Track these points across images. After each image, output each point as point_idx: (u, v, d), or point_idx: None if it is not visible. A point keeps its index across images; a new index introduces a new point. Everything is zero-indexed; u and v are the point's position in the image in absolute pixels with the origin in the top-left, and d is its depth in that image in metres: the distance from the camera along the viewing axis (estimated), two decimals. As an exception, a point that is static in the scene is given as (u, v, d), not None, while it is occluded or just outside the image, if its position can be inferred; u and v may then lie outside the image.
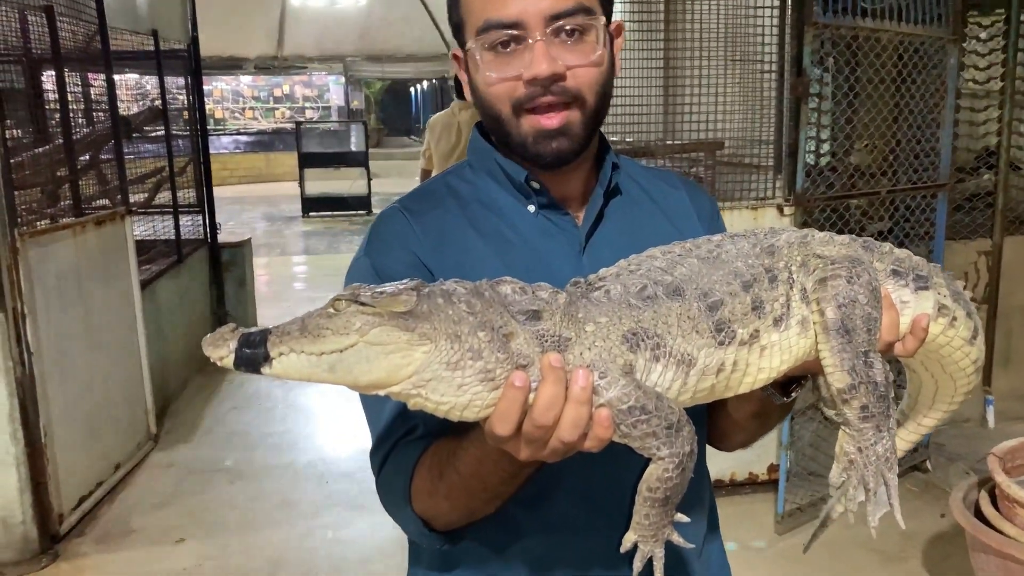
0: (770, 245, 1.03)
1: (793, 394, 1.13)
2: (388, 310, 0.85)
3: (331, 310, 0.86)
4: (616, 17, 1.20)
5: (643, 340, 0.92)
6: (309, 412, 5.56)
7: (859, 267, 1.00)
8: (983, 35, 5.19)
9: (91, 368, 4.25)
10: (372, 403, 1.17)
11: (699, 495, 1.28)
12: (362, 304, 0.86)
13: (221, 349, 0.84)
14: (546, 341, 0.89)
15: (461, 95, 6.43)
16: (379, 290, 0.88)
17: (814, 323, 0.99)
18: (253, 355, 0.84)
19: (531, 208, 1.21)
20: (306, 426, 5.37)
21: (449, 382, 0.86)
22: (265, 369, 0.84)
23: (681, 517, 0.97)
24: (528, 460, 0.93)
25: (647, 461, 0.92)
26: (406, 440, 1.13)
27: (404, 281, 0.90)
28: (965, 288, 1.14)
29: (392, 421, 1.14)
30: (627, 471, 1.05)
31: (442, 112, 6.83)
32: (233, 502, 4.32)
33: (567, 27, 1.10)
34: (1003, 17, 4.87)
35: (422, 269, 1.16)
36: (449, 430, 1.08)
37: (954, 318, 1.08)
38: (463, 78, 1.21)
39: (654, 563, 0.97)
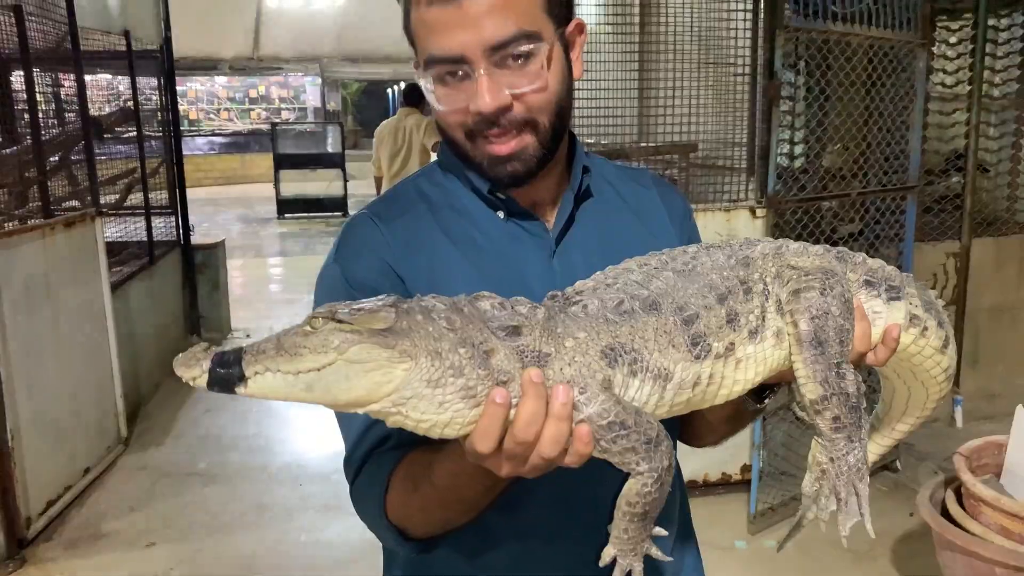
0: (745, 257, 1.03)
1: (767, 400, 1.14)
2: (367, 327, 0.84)
3: (308, 328, 0.84)
4: (589, 20, 1.19)
5: (621, 355, 0.92)
6: (283, 415, 5.52)
7: (832, 279, 1.01)
8: (952, 40, 5.27)
9: (60, 371, 4.20)
10: (344, 416, 1.16)
11: (672, 506, 1.29)
12: (340, 321, 0.84)
13: (194, 369, 0.82)
14: (526, 357, 0.89)
15: (409, 102, 7.18)
16: (357, 307, 0.86)
17: (788, 334, 1.00)
18: (227, 375, 0.82)
19: (501, 214, 1.21)
20: (280, 429, 5.33)
21: (430, 400, 0.85)
22: (240, 389, 0.82)
23: (660, 531, 0.97)
24: (507, 476, 0.92)
25: (614, 497, 0.93)
26: (380, 450, 1.12)
27: (381, 297, 0.89)
28: (934, 290, 1.16)
29: (365, 430, 1.13)
30: (601, 478, 1.06)
31: (389, 120, 7.36)
32: (206, 506, 4.28)
33: (511, 54, 1.07)
34: (971, 22, 4.95)
35: (393, 276, 1.15)
36: (424, 441, 1.06)
37: (925, 328, 1.09)
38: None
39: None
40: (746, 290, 1.00)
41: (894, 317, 1.07)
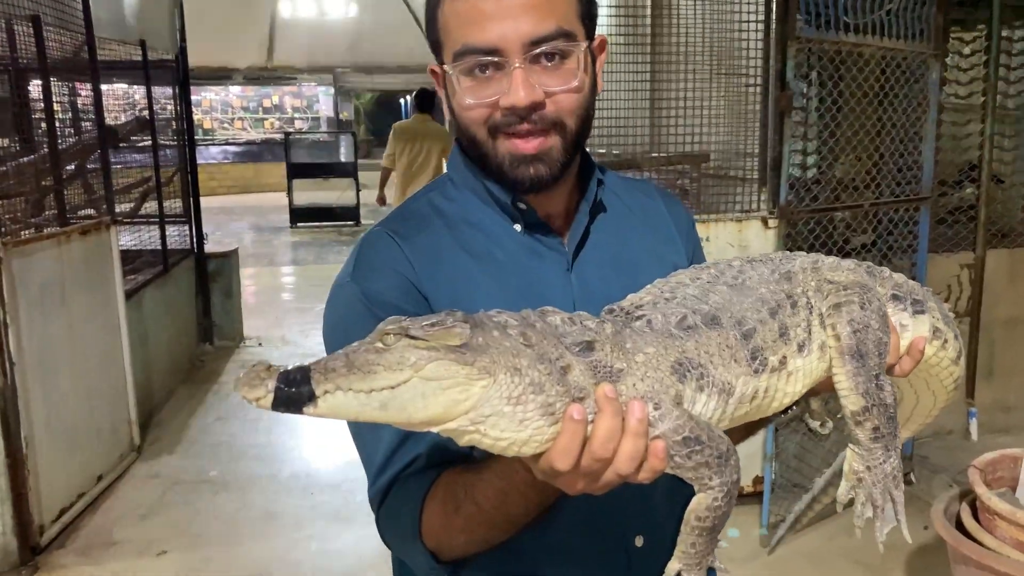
0: (787, 271, 1.05)
1: (791, 411, 1.15)
2: (443, 343, 0.82)
3: (380, 344, 0.82)
4: (601, 31, 1.19)
5: (689, 370, 0.92)
6: (294, 423, 5.53)
7: (869, 293, 1.03)
8: (965, 51, 5.25)
9: (74, 378, 4.23)
10: (367, 436, 1.14)
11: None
12: (414, 338, 0.82)
13: (258, 389, 0.78)
14: (599, 372, 0.88)
15: (421, 108, 7.32)
16: (428, 322, 0.84)
17: (830, 347, 1.01)
18: (296, 394, 0.78)
19: (517, 228, 1.20)
20: (291, 437, 5.35)
21: (511, 417, 0.83)
22: (309, 409, 0.79)
23: (723, 544, 0.98)
24: (579, 493, 0.91)
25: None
26: (407, 473, 1.10)
27: (444, 312, 0.86)
28: (947, 303, 1.20)
29: (391, 454, 1.10)
30: (630, 496, 1.07)
31: (407, 121, 7.52)
32: (217, 513, 4.29)
33: (547, 52, 1.07)
34: (984, 33, 4.93)
35: (415, 294, 1.13)
36: (452, 460, 1.07)
37: (945, 340, 1.13)
38: (441, 94, 1.20)
39: None
40: (792, 304, 1.02)
41: (919, 330, 1.10)
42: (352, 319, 1.11)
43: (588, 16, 1.14)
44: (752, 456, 3.95)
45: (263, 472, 4.78)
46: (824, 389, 1.06)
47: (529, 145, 1.11)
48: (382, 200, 7.73)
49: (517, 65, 1.06)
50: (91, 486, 4.33)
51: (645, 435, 0.86)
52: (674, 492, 1.17)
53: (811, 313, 1.02)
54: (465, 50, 1.08)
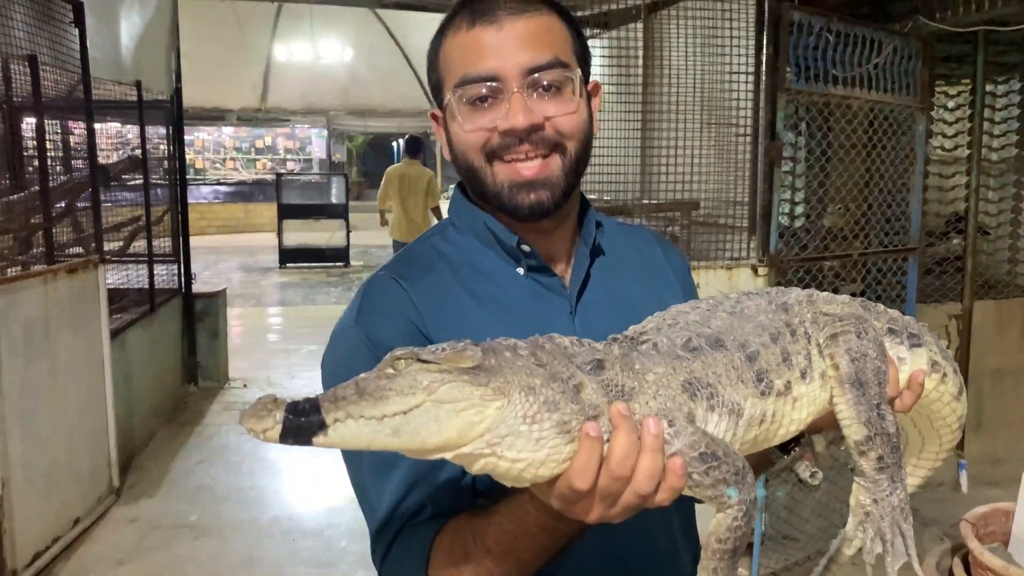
0: (783, 302, 1.06)
1: (792, 452, 1.15)
2: (455, 366, 0.81)
3: (390, 370, 0.81)
4: (594, 79, 1.22)
5: (699, 390, 0.92)
6: (277, 467, 5.44)
7: (865, 324, 1.04)
8: (950, 104, 5.34)
9: (54, 418, 4.15)
10: (370, 489, 1.12)
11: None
12: (425, 362, 0.81)
13: (265, 420, 0.76)
14: (611, 391, 0.87)
15: (411, 152, 8.67)
16: (437, 348, 0.83)
17: (830, 376, 1.01)
18: (306, 424, 0.77)
19: (520, 271, 1.20)
20: (274, 481, 5.25)
21: (527, 437, 0.82)
22: (319, 438, 0.77)
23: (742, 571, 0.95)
24: (595, 521, 0.88)
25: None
26: (413, 523, 1.08)
27: (453, 341, 0.86)
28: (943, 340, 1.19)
29: (395, 505, 1.09)
30: (630, 531, 1.07)
31: (397, 165, 8.79)
32: (196, 559, 4.19)
33: (544, 81, 1.11)
34: (969, 87, 5.03)
35: (420, 338, 1.12)
36: (460, 509, 1.06)
37: (944, 374, 1.13)
38: (440, 138, 1.21)
39: None
40: (792, 332, 1.02)
41: (918, 363, 1.10)
42: (356, 363, 1.09)
43: (582, 56, 1.19)
44: (742, 506, 3.90)
45: (245, 517, 4.68)
46: (826, 424, 1.05)
47: (530, 169, 1.12)
48: (384, 222, 8.68)
49: (515, 90, 1.10)
50: (67, 530, 4.23)
51: (662, 451, 0.85)
52: (672, 527, 1.18)
53: (809, 342, 1.03)
54: (465, 79, 1.12)
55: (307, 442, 0.77)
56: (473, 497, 1.09)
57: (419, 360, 0.82)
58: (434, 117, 1.21)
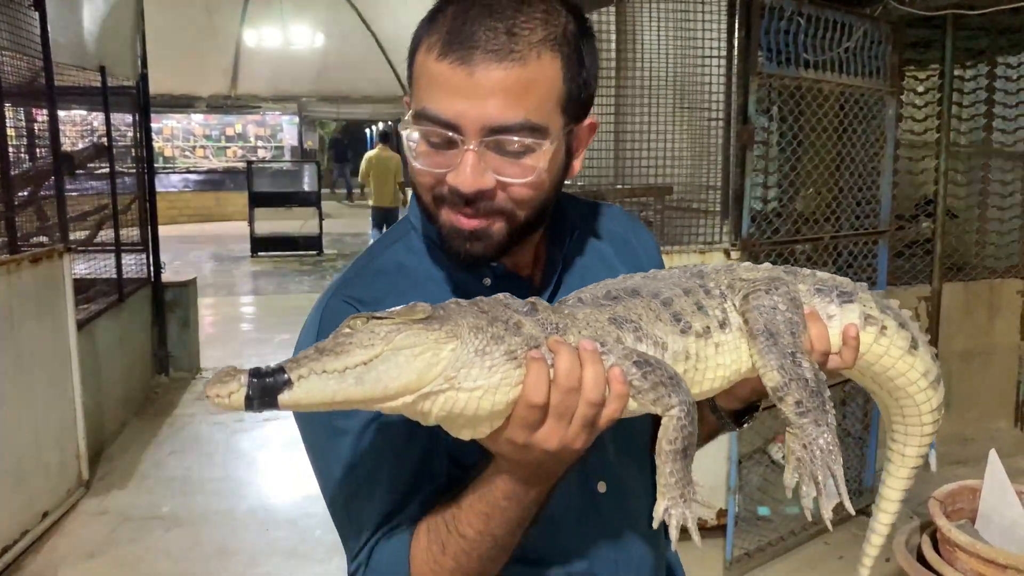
0: (699, 270, 1.12)
1: (745, 424, 1.21)
2: (408, 318, 0.88)
3: (347, 330, 0.87)
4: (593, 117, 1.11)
5: (625, 323, 1.00)
6: (250, 457, 5.40)
7: (777, 283, 1.08)
8: (919, 89, 5.39)
9: (20, 411, 4.07)
10: (347, 512, 1.11)
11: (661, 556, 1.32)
12: (379, 319, 0.88)
13: (229, 384, 0.80)
14: (547, 327, 0.95)
15: (383, 140, 11.59)
16: (392, 309, 0.91)
17: (744, 331, 1.06)
18: (271, 383, 0.81)
19: (487, 281, 1.15)
20: (247, 471, 5.21)
21: (480, 365, 0.89)
22: (285, 396, 0.81)
23: (697, 481, 0.98)
24: (557, 448, 0.92)
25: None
26: (387, 533, 1.08)
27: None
28: (897, 302, 1.20)
29: (376, 527, 1.09)
30: (626, 531, 1.17)
31: (373, 151, 11.70)
32: (168, 551, 4.15)
33: (505, 145, 1.00)
34: (938, 72, 5.07)
35: None
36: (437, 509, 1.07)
37: (884, 327, 1.13)
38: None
39: (688, 526, 0.96)
40: (706, 291, 1.07)
41: (849, 318, 1.12)
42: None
43: (577, 100, 1.06)
44: (716, 489, 3.93)
45: (218, 507, 4.64)
46: (762, 388, 1.08)
47: (469, 223, 1.04)
48: (362, 193, 11.95)
49: (470, 148, 0.99)
50: (35, 523, 4.16)
51: (601, 362, 0.92)
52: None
53: (725, 300, 1.07)
54: (424, 115, 1.02)
55: (273, 403, 0.81)
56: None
57: (374, 318, 0.88)
58: (408, 104, 1.14)
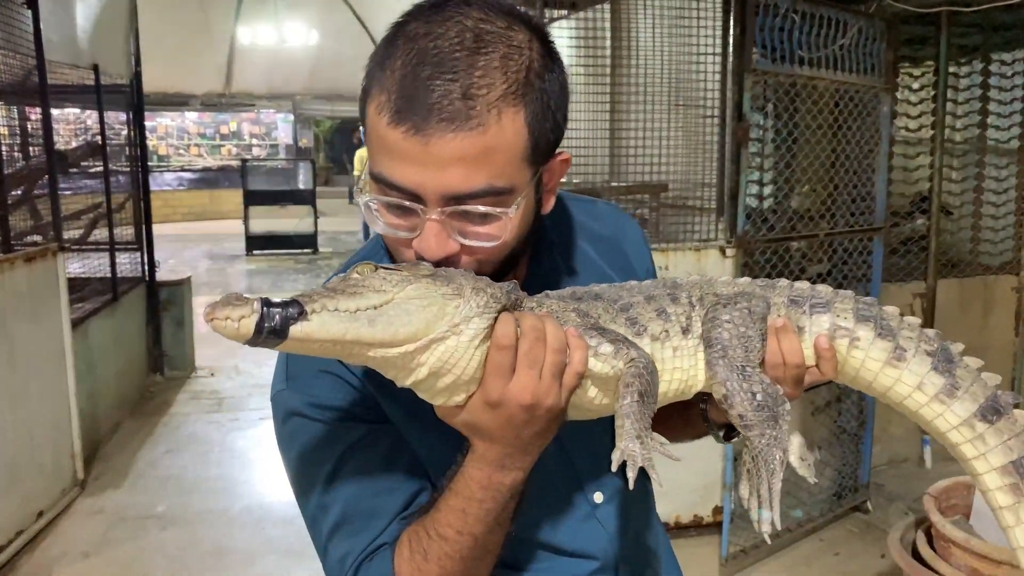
0: (673, 282, 1.12)
1: (733, 439, 1.19)
2: (414, 272, 0.92)
3: (356, 275, 0.89)
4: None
5: (586, 317, 1.03)
6: (246, 456, 5.39)
7: (742, 297, 1.08)
8: (914, 86, 5.39)
9: (14, 410, 4.06)
10: (323, 530, 1.12)
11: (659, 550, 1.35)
12: (387, 268, 0.92)
13: (241, 307, 0.79)
14: (522, 308, 1.02)
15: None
16: (394, 265, 0.96)
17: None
18: (285, 314, 0.81)
19: None
20: (243, 470, 5.20)
21: (479, 319, 0.93)
22: (297, 328, 0.81)
23: (659, 437, 0.95)
24: (531, 401, 0.92)
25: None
26: (370, 553, 1.08)
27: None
28: (903, 313, 1.13)
29: (350, 545, 1.09)
30: (581, 457, 1.18)
31: (364, 148, 12.07)
32: (164, 550, 4.14)
33: (471, 208, 0.96)
34: (932, 69, 5.08)
35: (361, 392, 1.10)
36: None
37: (856, 338, 1.08)
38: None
39: (646, 466, 0.92)
40: (673, 299, 1.09)
41: (818, 329, 1.10)
42: (308, 438, 1.12)
43: (545, 145, 1.00)
44: (711, 486, 3.94)
45: (213, 507, 4.63)
46: None
47: None
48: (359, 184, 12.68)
49: (432, 217, 0.95)
50: (30, 523, 4.15)
51: (560, 326, 0.96)
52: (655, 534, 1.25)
53: (693, 310, 1.08)
54: (381, 180, 0.97)
55: (283, 333, 0.81)
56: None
57: (382, 268, 0.92)
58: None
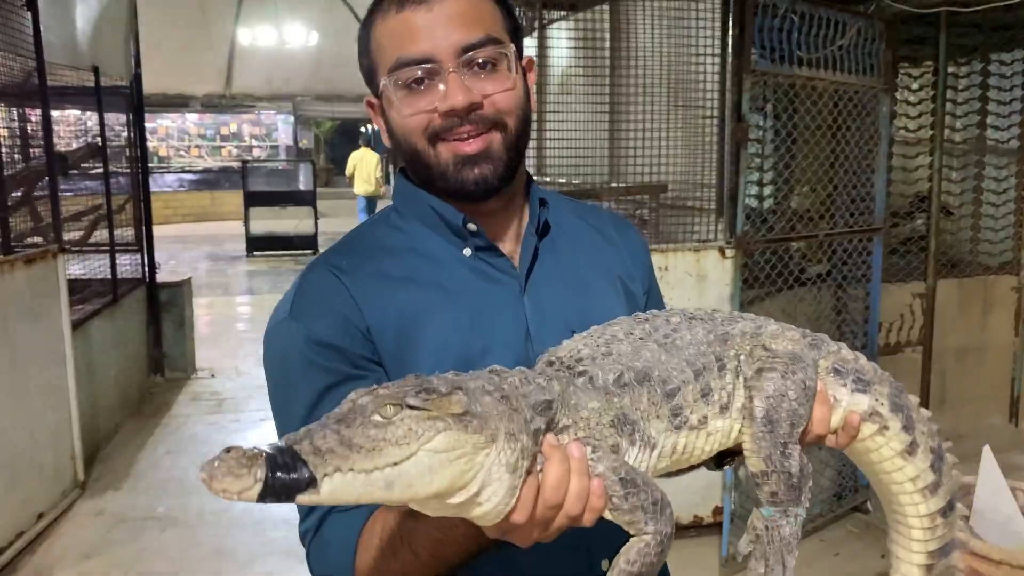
0: (724, 333, 1.07)
1: (726, 467, 1.17)
2: (445, 412, 0.80)
3: (379, 418, 0.78)
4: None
5: (624, 426, 0.96)
6: (248, 457, 5.38)
7: (797, 364, 1.05)
8: (914, 86, 5.40)
9: (14, 412, 4.06)
10: None
11: None
12: (413, 407, 0.79)
13: (243, 480, 0.70)
14: (553, 429, 0.92)
15: (365, 143, 13.54)
16: (417, 389, 0.81)
17: (744, 408, 1.04)
18: (292, 482, 0.72)
19: (467, 252, 1.19)
20: (244, 471, 5.20)
21: (508, 485, 0.84)
22: (306, 496, 0.73)
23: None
24: (527, 545, 0.92)
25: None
26: (338, 510, 1.09)
27: (415, 377, 0.85)
28: (922, 406, 1.16)
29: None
30: (584, 553, 1.16)
31: (359, 151, 13.98)
32: (165, 551, 4.14)
33: (479, 59, 1.11)
34: (932, 69, 5.08)
35: (356, 334, 1.12)
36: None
37: (886, 427, 1.10)
38: (379, 124, 1.20)
39: None
40: (720, 367, 1.04)
41: (856, 408, 1.10)
42: (292, 363, 1.13)
43: (514, 32, 1.18)
44: (712, 486, 3.94)
45: (214, 508, 4.62)
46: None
47: (471, 146, 1.12)
48: (350, 183, 14.13)
49: (451, 70, 1.10)
50: (31, 524, 4.15)
51: (587, 473, 0.89)
52: None
53: (737, 377, 1.05)
54: (399, 63, 1.11)
55: (290, 500, 0.73)
56: None
57: (408, 406, 0.79)
58: (370, 105, 1.21)
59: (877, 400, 1.10)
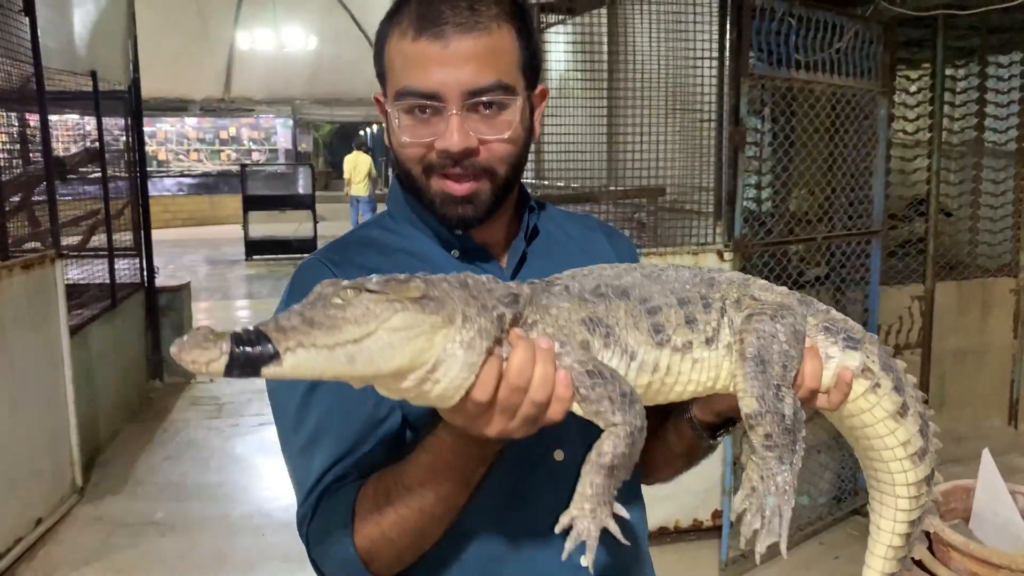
0: (711, 278, 1.09)
1: (719, 438, 1.21)
2: (403, 296, 0.85)
3: (338, 300, 0.82)
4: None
5: (597, 327, 0.98)
6: (246, 462, 5.39)
7: (786, 311, 1.06)
8: (912, 88, 5.41)
9: (12, 417, 4.06)
10: (299, 460, 1.15)
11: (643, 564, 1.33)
12: (372, 292, 0.84)
13: (209, 351, 0.74)
14: (520, 321, 0.95)
15: (358, 147, 14.48)
16: (383, 279, 0.86)
17: (735, 351, 1.03)
18: (256, 354, 0.76)
19: (455, 254, 1.23)
20: (243, 476, 5.20)
21: (463, 362, 0.87)
22: (270, 369, 0.76)
23: (620, 509, 0.95)
24: (496, 435, 0.94)
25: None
26: (338, 485, 1.11)
27: (389, 275, 0.89)
28: (903, 365, 1.15)
29: (323, 473, 1.12)
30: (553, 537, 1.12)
31: (353, 154, 15.63)
32: (163, 557, 4.14)
33: (483, 102, 1.11)
34: (929, 71, 5.09)
35: None
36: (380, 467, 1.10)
37: (878, 384, 1.09)
38: (384, 122, 1.22)
39: (587, 545, 0.93)
40: (705, 304, 1.05)
41: (847, 363, 1.09)
42: None
43: (530, 67, 1.18)
44: (711, 490, 3.93)
45: (213, 513, 4.62)
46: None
47: (460, 188, 1.15)
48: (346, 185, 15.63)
49: (454, 112, 1.10)
50: (29, 530, 4.14)
51: (553, 362, 0.92)
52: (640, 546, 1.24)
53: (723, 317, 1.05)
54: (406, 92, 1.12)
55: (255, 372, 0.76)
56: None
57: (367, 291, 0.84)
58: (378, 100, 1.23)
59: (868, 357, 1.10)
